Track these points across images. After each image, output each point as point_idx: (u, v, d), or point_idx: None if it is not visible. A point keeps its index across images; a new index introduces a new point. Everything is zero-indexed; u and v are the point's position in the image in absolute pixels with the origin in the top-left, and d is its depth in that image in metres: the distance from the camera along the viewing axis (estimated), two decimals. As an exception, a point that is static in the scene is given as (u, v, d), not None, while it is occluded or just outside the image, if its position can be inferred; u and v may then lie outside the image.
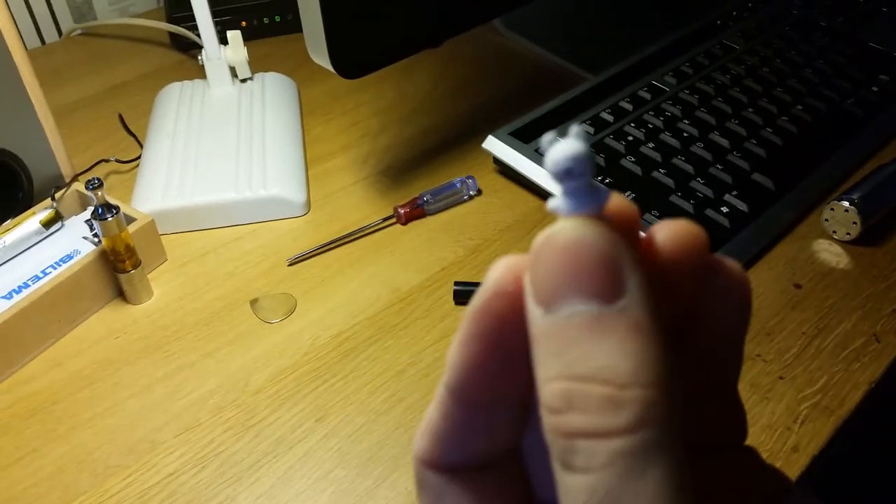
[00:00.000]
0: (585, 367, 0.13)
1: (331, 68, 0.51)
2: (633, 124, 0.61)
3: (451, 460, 0.17)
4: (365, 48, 0.53)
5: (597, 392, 0.13)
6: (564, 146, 0.14)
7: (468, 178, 0.60)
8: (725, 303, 0.16)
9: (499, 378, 0.16)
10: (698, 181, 0.56)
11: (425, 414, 0.17)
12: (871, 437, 0.57)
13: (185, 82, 0.70)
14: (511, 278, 0.15)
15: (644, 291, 0.14)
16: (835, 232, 0.54)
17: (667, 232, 0.15)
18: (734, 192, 0.55)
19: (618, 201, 0.15)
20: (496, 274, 0.15)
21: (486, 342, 0.15)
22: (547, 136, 0.15)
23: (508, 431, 0.17)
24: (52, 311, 0.49)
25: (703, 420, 0.17)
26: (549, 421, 0.14)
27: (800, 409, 0.44)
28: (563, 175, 0.14)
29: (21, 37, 0.53)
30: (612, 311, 0.13)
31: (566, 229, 0.14)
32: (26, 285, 0.49)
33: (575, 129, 0.15)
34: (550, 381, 0.14)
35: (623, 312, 0.13)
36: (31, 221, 0.52)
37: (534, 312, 0.14)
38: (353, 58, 0.52)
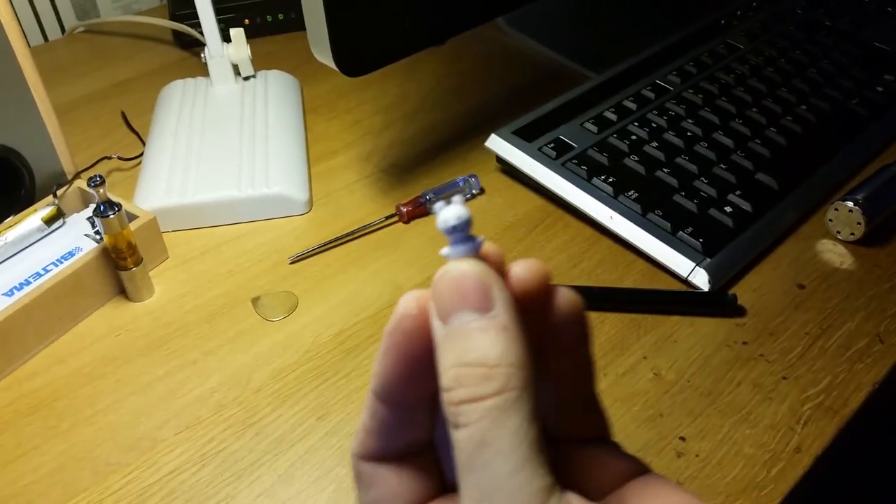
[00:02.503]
0: (469, 356, 0.19)
1: (334, 66, 0.51)
2: (636, 123, 0.61)
3: (379, 451, 0.22)
4: (368, 46, 0.53)
5: (476, 372, 0.19)
6: (451, 210, 0.20)
7: (471, 176, 0.60)
8: (564, 322, 0.22)
9: (411, 382, 0.21)
10: (702, 181, 0.56)
11: (360, 417, 0.23)
12: (875, 438, 0.57)
13: (188, 80, 0.70)
14: (413, 305, 0.21)
15: (508, 305, 0.20)
16: (839, 232, 0.54)
17: (521, 266, 0.21)
18: (738, 192, 0.55)
19: (488, 247, 0.21)
20: (403, 302, 0.21)
21: (399, 353, 0.21)
22: (438, 204, 0.21)
23: (423, 425, 0.22)
24: (53, 309, 0.49)
25: (574, 421, 0.23)
26: (445, 397, 0.19)
27: (803, 410, 0.44)
28: (451, 230, 0.20)
29: (24, 34, 0.53)
30: (486, 318, 0.19)
31: (454, 266, 0.20)
32: (28, 282, 0.49)
33: (457, 197, 0.21)
34: (447, 370, 0.19)
35: (494, 318, 0.19)
36: (33, 218, 0.52)
37: (436, 325, 0.20)
38: (355, 55, 0.52)
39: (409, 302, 0.21)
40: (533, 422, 0.19)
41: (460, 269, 0.20)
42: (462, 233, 0.20)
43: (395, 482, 0.22)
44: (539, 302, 0.21)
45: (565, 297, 0.22)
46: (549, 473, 0.18)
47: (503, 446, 0.18)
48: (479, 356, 0.19)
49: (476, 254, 0.20)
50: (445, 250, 0.21)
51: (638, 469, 0.23)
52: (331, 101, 0.72)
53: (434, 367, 0.20)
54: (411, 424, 0.22)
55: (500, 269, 0.21)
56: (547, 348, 0.21)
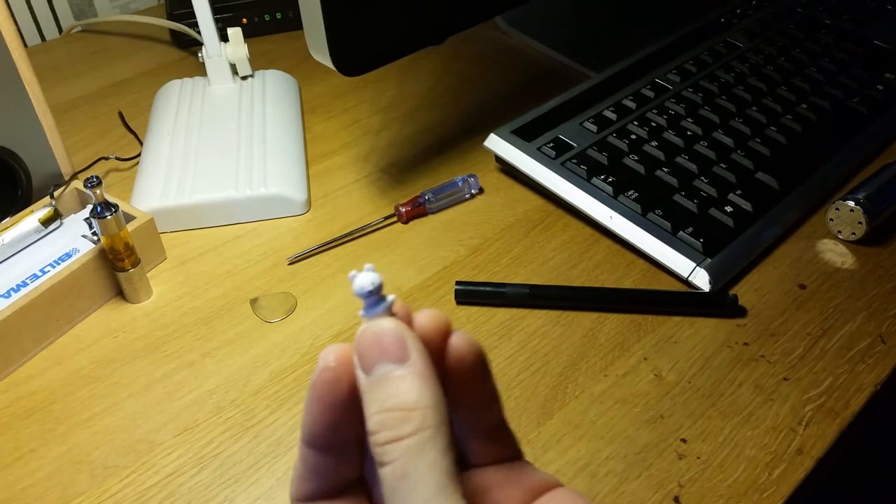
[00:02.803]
0: (390, 402, 0.22)
1: (331, 66, 0.51)
2: (636, 122, 0.60)
3: (313, 493, 0.25)
4: (366, 45, 0.53)
5: (396, 416, 0.21)
6: (364, 277, 0.23)
7: (470, 176, 0.60)
8: (465, 362, 0.24)
9: (336, 428, 0.24)
10: (702, 180, 0.55)
11: (294, 466, 0.25)
12: (877, 440, 0.57)
13: (186, 80, 0.70)
14: (332, 358, 0.23)
15: (421, 354, 0.22)
16: (840, 232, 0.54)
17: (425, 316, 0.24)
18: (738, 192, 0.55)
19: (398, 304, 0.23)
20: (323, 356, 0.23)
21: (323, 403, 0.23)
22: (352, 272, 0.23)
23: (351, 465, 0.25)
24: (50, 310, 0.49)
25: (487, 446, 0.26)
26: (371, 440, 0.22)
27: (804, 411, 0.44)
28: (365, 294, 0.23)
29: (20, 34, 0.53)
30: (404, 367, 0.22)
31: (374, 324, 0.23)
32: (25, 284, 0.49)
33: (368, 265, 0.23)
34: (372, 416, 0.22)
35: (410, 367, 0.22)
36: (30, 220, 0.52)
37: (360, 376, 0.23)
38: (353, 55, 0.52)
39: (328, 356, 0.23)
40: (446, 453, 0.21)
41: (379, 326, 0.23)
42: (376, 296, 0.23)
43: None
44: (441, 346, 0.24)
45: (465, 341, 0.24)
46: (461, 498, 0.21)
47: (421, 477, 0.21)
48: (398, 402, 0.22)
49: (389, 312, 0.23)
50: (363, 312, 0.23)
51: (548, 484, 0.26)
52: (329, 100, 0.72)
53: (357, 412, 0.23)
54: (339, 466, 0.25)
55: (408, 322, 0.24)
56: (454, 386, 0.24)
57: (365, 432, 0.23)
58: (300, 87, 0.72)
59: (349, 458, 0.25)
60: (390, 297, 0.24)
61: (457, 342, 0.24)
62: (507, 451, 0.26)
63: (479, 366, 0.25)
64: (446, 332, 0.24)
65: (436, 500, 0.21)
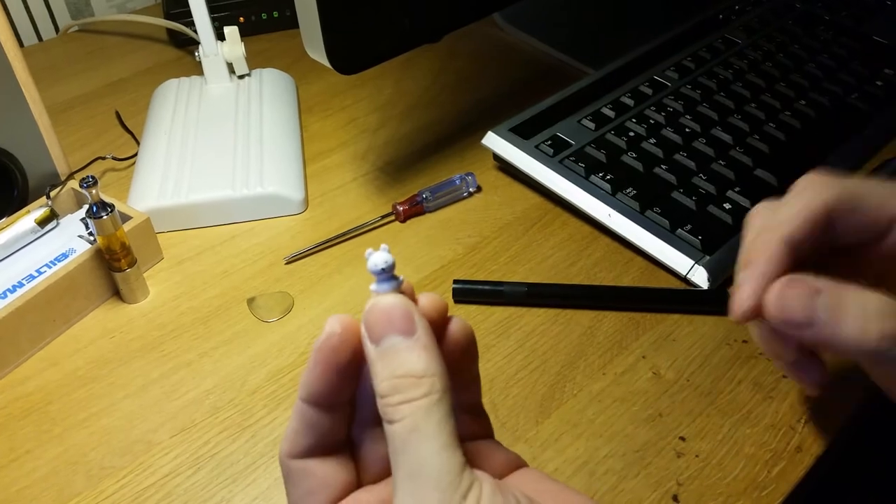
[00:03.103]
0: (401, 370, 0.24)
1: (327, 64, 0.50)
2: (634, 120, 0.60)
3: (307, 448, 0.27)
4: (362, 43, 0.53)
5: (407, 381, 0.24)
6: (378, 255, 0.25)
7: (468, 174, 0.59)
8: (459, 344, 0.27)
9: (335, 387, 0.26)
10: (700, 177, 0.55)
11: (288, 423, 0.28)
12: (877, 437, 0.57)
13: (183, 79, 0.69)
14: (337, 325, 0.26)
15: (426, 330, 0.25)
16: (839, 228, 0.54)
17: (427, 299, 0.26)
18: (737, 188, 0.54)
19: (406, 284, 0.26)
20: (330, 322, 0.26)
21: (326, 364, 0.26)
22: (368, 250, 0.26)
23: (343, 424, 0.28)
24: (46, 311, 0.48)
25: (465, 423, 0.29)
26: (381, 401, 0.24)
27: (804, 409, 0.43)
28: (379, 272, 0.25)
29: (16, 33, 0.53)
30: (411, 340, 0.25)
31: (383, 299, 0.25)
32: (21, 284, 0.49)
33: (383, 245, 0.26)
34: (382, 381, 0.24)
35: (417, 340, 0.25)
36: (26, 220, 0.52)
37: (368, 346, 0.25)
38: (349, 53, 0.51)
39: (334, 323, 0.26)
40: (451, 416, 0.24)
41: (388, 301, 0.25)
42: (388, 273, 0.26)
43: (322, 473, 0.27)
44: (439, 327, 0.27)
45: (462, 325, 0.28)
46: (462, 455, 0.24)
47: (431, 432, 0.24)
48: (409, 369, 0.24)
49: (398, 289, 0.26)
50: (374, 286, 0.26)
51: (518, 463, 0.29)
52: (326, 99, 0.72)
53: (353, 377, 0.27)
54: (333, 423, 0.27)
55: (415, 301, 0.26)
56: (448, 365, 0.26)
57: (357, 395, 0.27)
58: (297, 86, 0.72)
59: (341, 418, 0.28)
60: (401, 277, 0.26)
61: (455, 326, 0.27)
62: (482, 430, 0.30)
63: (471, 348, 0.28)
64: (444, 315, 0.27)
65: (443, 453, 0.23)
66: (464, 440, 0.26)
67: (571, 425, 0.43)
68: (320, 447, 0.27)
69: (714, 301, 0.49)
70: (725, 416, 0.43)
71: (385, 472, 0.28)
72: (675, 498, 0.40)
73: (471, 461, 0.25)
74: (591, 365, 0.46)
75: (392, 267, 0.26)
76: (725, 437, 0.42)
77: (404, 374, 0.24)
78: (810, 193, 0.33)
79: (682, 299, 0.50)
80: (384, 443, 0.26)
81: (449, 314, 0.27)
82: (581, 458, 0.42)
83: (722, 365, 0.46)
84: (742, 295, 0.32)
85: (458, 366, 0.27)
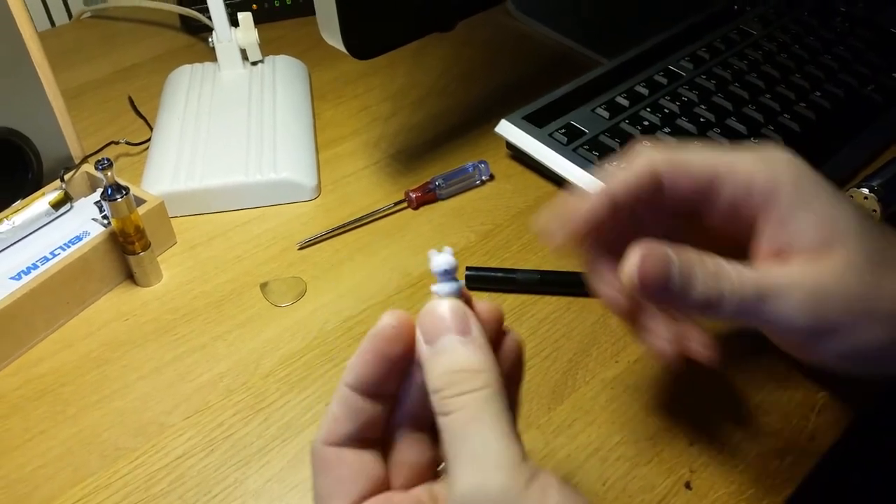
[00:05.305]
0: (457, 365, 0.25)
1: (343, 49, 0.50)
2: (648, 109, 0.60)
3: (345, 436, 0.27)
4: (377, 29, 0.52)
5: (463, 375, 0.25)
6: (443, 257, 0.27)
7: (480, 162, 0.59)
8: (509, 358, 0.29)
9: (381, 377, 0.27)
10: (714, 167, 0.55)
11: (327, 410, 0.28)
12: (892, 427, 0.56)
13: (196, 65, 0.69)
14: (395, 319, 0.27)
15: (481, 332, 0.26)
16: (853, 219, 0.53)
17: (485, 306, 0.27)
18: (751, 179, 0.54)
19: (465, 290, 0.27)
20: (387, 315, 0.27)
21: (377, 352, 0.27)
22: (432, 251, 0.27)
23: (382, 418, 0.28)
24: (60, 293, 0.49)
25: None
26: (436, 396, 0.25)
27: (817, 398, 0.43)
28: (441, 272, 0.27)
29: (31, 18, 0.53)
30: (466, 339, 0.26)
31: (439, 303, 0.26)
32: (35, 266, 0.49)
33: (447, 248, 0.27)
34: (437, 377, 0.25)
35: (473, 339, 0.26)
36: (41, 202, 0.52)
37: (422, 347, 0.26)
38: (365, 38, 0.51)
39: (391, 316, 0.27)
40: (508, 411, 0.25)
41: (445, 304, 0.26)
42: (450, 275, 0.27)
43: (357, 463, 0.27)
44: (495, 336, 0.28)
45: (515, 341, 0.29)
46: (522, 447, 0.24)
47: (489, 420, 0.24)
48: (465, 364, 0.25)
49: (458, 294, 0.27)
50: (435, 287, 0.27)
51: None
52: (338, 87, 0.72)
53: (400, 373, 0.27)
54: (374, 414, 0.27)
55: (471, 306, 0.27)
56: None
57: (400, 393, 0.28)
58: (310, 74, 0.72)
59: (383, 411, 0.28)
60: (461, 282, 0.27)
61: (511, 340, 0.29)
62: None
63: (518, 369, 0.29)
64: (500, 322, 0.28)
65: (504, 440, 0.24)
66: None
67: (584, 412, 0.43)
68: (358, 438, 0.27)
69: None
70: (738, 405, 0.43)
71: (413, 479, 0.28)
72: (687, 485, 0.40)
73: None
74: (604, 353, 0.46)
75: (454, 269, 0.27)
76: (738, 426, 0.42)
77: (460, 368, 0.25)
78: (637, 158, 0.34)
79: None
80: (417, 448, 0.28)
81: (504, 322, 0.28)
82: (593, 444, 0.42)
83: (734, 354, 0.46)
84: (553, 224, 0.34)
85: (506, 374, 0.27)
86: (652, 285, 0.30)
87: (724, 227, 0.34)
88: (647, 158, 0.33)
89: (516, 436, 0.24)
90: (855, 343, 0.31)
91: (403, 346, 0.27)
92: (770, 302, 0.30)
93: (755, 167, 0.32)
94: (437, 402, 0.25)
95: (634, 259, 0.30)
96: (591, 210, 0.33)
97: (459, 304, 0.26)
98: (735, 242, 0.34)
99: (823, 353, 0.32)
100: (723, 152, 0.33)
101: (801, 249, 0.31)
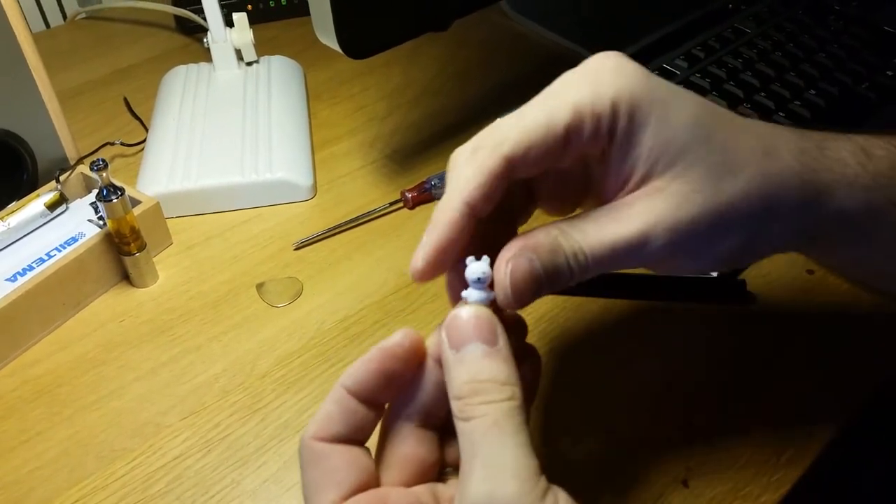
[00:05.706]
0: (483, 375, 0.26)
1: (338, 48, 0.50)
2: (643, 108, 0.60)
3: (335, 434, 0.28)
4: (372, 28, 0.52)
5: (489, 385, 0.25)
6: (478, 265, 0.27)
7: (476, 162, 0.59)
8: (527, 372, 0.29)
9: (378, 387, 0.28)
10: (710, 165, 0.55)
11: (320, 407, 0.28)
12: (890, 422, 0.57)
13: (191, 65, 0.69)
14: (406, 340, 0.28)
15: (507, 342, 0.27)
16: (848, 217, 0.54)
17: (512, 318, 0.28)
18: (746, 177, 0.54)
19: (497, 301, 0.27)
20: (401, 333, 0.28)
21: (380, 364, 0.27)
22: (470, 258, 0.27)
23: (373, 423, 0.28)
24: (56, 294, 0.48)
25: None
26: (458, 403, 0.26)
27: (815, 395, 0.43)
28: (475, 280, 0.27)
29: (26, 20, 0.52)
30: (493, 349, 0.26)
31: (469, 309, 0.27)
32: (31, 268, 0.49)
33: (485, 257, 0.27)
34: (462, 384, 0.26)
35: (499, 350, 0.26)
36: (36, 204, 0.52)
37: (447, 353, 0.26)
38: (360, 37, 0.51)
39: (403, 336, 0.28)
40: (527, 427, 0.25)
41: (475, 311, 0.27)
42: (483, 283, 0.27)
43: (347, 456, 0.27)
44: (517, 349, 0.28)
45: (537, 360, 0.30)
46: (538, 462, 0.24)
47: (510, 430, 0.24)
48: (490, 375, 0.25)
49: (488, 303, 0.27)
50: (466, 293, 0.27)
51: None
52: (334, 87, 0.72)
53: (397, 386, 0.28)
54: (366, 419, 0.28)
55: (501, 317, 0.27)
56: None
57: (412, 388, 0.28)
58: (305, 74, 0.72)
59: (375, 417, 0.28)
60: (492, 293, 0.27)
61: (533, 358, 0.30)
62: None
63: (535, 384, 0.31)
64: (524, 334, 0.30)
65: (523, 449, 0.24)
66: None
67: (581, 409, 0.43)
68: (348, 437, 0.28)
69: (724, 289, 0.49)
70: (735, 402, 0.43)
71: (415, 477, 0.29)
72: (684, 483, 0.40)
73: None
74: (601, 351, 0.47)
75: (488, 279, 0.27)
76: (735, 423, 0.42)
77: (486, 378, 0.25)
78: (477, 154, 0.31)
79: (692, 287, 0.50)
80: (425, 446, 0.28)
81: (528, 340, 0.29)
82: (590, 442, 0.42)
83: (732, 351, 0.46)
84: (416, 257, 0.29)
85: (526, 388, 0.28)
86: (526, 295, 0.28)
87: (601, 170, 0.32)
88: (499, 152, 0.30)
89: (532, 451, 0.25)
90: (715, 255, 0.30)
91: (408, 367, 0.27)
92: (624, 252, 0.28)
93: (588, 107, 0.30)
94: (458, 407, 0.25)
95: (505, 281, 0.28)
96: (453, 227, 0.29)
97: (488, 312, 0.27)
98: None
99: (683, 269, 0.31)
100: (553, 102, 0.31)
101: (642, 179, 0.30)
